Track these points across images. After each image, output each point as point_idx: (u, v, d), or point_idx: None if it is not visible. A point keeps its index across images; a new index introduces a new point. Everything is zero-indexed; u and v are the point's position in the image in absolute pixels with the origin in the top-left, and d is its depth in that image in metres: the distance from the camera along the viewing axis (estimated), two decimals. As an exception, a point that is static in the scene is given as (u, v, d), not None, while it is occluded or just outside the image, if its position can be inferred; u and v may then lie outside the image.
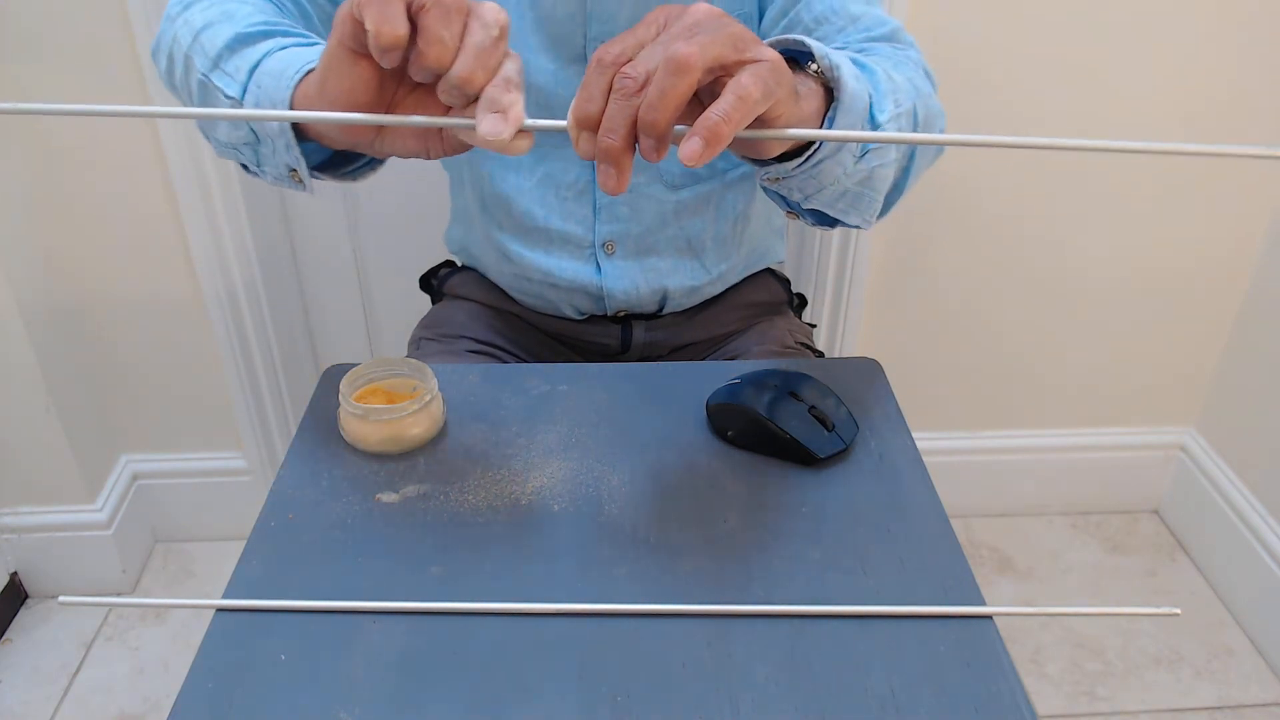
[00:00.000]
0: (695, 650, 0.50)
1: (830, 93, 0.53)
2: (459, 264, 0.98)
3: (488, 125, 0.46)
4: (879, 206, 0.63)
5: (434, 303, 1.00)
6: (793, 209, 0.66)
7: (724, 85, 0.44)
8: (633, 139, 0.44)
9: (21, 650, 1.34)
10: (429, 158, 0.55)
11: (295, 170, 0.58)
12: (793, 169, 0.55)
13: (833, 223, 0.66)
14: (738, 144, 0.50)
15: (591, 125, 0.44)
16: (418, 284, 1.02)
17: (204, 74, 0.59)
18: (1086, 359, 1.46)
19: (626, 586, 0.54)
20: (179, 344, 1.35)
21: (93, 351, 1.34)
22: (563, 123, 0.46)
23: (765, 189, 0.63)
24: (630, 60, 0.44)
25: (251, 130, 0.58)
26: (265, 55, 0.57)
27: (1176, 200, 1.32)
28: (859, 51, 0.65)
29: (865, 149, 0.57)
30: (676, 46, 0.42)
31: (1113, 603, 1.45)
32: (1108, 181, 1.30)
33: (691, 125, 0.43)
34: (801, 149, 0.54)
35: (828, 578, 0.55)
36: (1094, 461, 1.55)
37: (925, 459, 0.65)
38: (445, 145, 0.53)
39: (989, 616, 0.52)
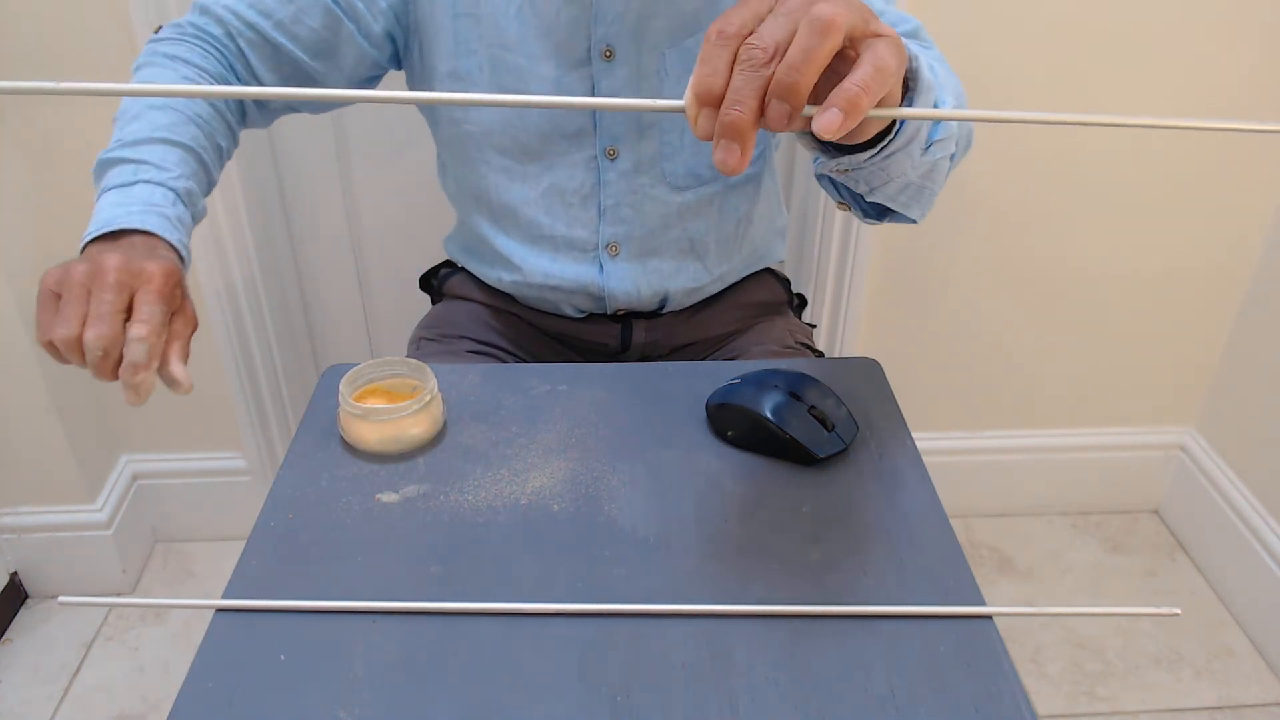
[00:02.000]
0: (695, 650, 0.50)
1: (905, 83, 0.52)
2: (459, 264, 0.98)
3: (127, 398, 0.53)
4: (935, 199, 0.63)
5: (434, 303, 1.00)
6: (845, 201, 0.66)
7: (847, 60, 0.42)
8: (760, 111, 0.41)
9: (21, 650, 1.34)
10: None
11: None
12: (865, 160, 0.54)
13: (881, 215, 0.66)
14: None
15: (714, 101, 0.41)
16: (418, 284, 1.02)
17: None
18: (1086, 359, 1.46)
19: (626, 586, 0.54)
20: (179, 344, 1.35)
21: (93, 351, 1.34)
22: (679, 103, 0.43)
23: (821, 179, 0.63)
24: (753, 32, 0.42)
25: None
26: (103, 191, 0.65)
27: (1177, 201, 1.32)
28: None
29: (930, 141, 0.57)
30: (819, 8, 0.41)
31: (1113, 603, 1.45)
32: (1108, 182, 1.30)
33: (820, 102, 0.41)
34: (874, 139, 0.54)
35: (828, 578, 0.55)
36: (1094, 461, 1.55)
37: (925, 459, 0.65)
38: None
39: (989, 616, 0.52)
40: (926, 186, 0.61)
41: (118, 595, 1.43)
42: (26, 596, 1.42)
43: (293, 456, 0.65)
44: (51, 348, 0.55)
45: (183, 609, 1.47)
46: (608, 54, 0.76)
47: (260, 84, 0.77)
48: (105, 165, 0.67)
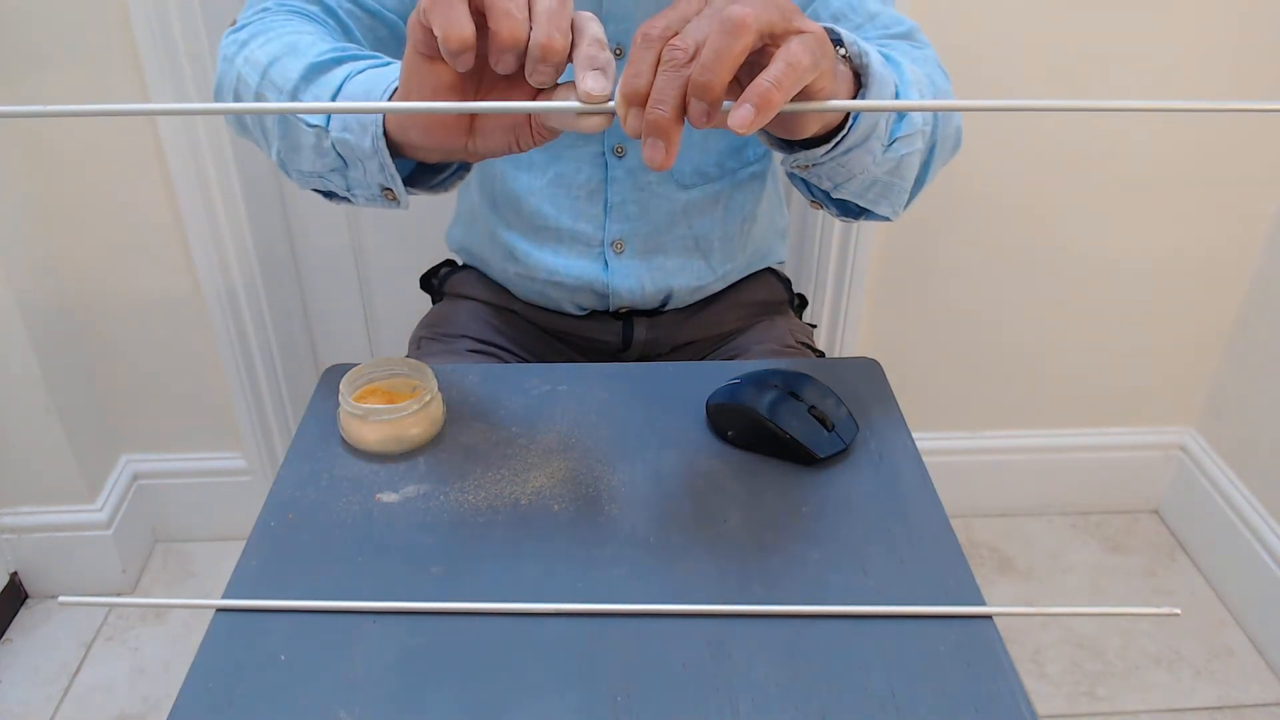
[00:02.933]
0: (695, 650, 0.50)
1: (858, 79, 0.53)
2: (459, 263, 0.98)
3: (591, 83, 0.45)
4: (907, 196, 0.63)
5: (434, 302, 1.00)
6: (817, 199, 0.67)
7: (770, 56, 0.44)
8: (683, 110, 0.43)
9: (21, 650, 1.34)
10: (520, 150, 0.54)
11: (389, 189, 0.58)
12: (822, 155, 0.55)
13: (857, 214, 0.66)
14: (776, 119, 0.50)
15: (640, 100, 0.44)
16: (418, 284, 1.02)
17: None
18: (1087, 358, 1.46)
19: (626, 586, 0.54)
20: (179, 344, 1.35)
21: (93, 351, 1.34)
22: (611, 105, 0.45)
23: (792, 176, 0.63)
24: (677, 34, 0.44)
25: (339, 156, 0.58)
26: (345, 80, 0.58)
27: (1177, 200, 1.32)
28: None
29: (893, 137, 0.57)
30: (731, 9, 0.42)
31: (1113, 603, 1.45)
32: (1107, 183, 1.30)
33: (735, 99, 0.43)
34: (830, 135, 0.54)
35: (828, 578, 0.55)
36: (1094, 461, 1.55)
37: (925, 459, 0.65)
38: (535, 134, 0.52)
39: (989, 616, 0.52)
40: (894, 183, 0.61)
41: (118, 595, 1.43)
42: (26, 596, 1.42)
43: (293, 456, 0.65)
44: (463, 48, 0.46)
45: (183, 609, 1.47)
46: (617, 52, 0.76)
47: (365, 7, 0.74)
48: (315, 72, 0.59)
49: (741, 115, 0.42)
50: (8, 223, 1.18)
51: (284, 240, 1.38)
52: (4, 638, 1.36)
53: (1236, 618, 1.40)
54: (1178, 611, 0.56)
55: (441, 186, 0.64)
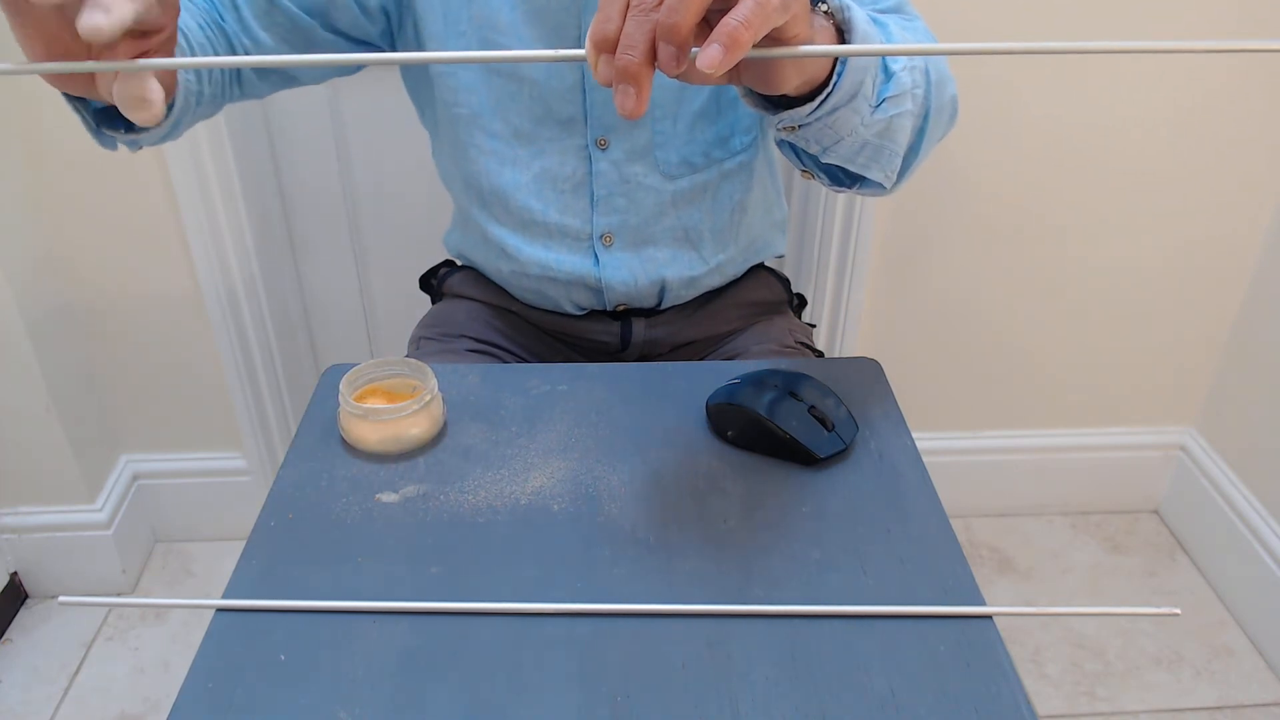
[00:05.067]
0: (695, 650, 0.50)
1: (841, 36, 0.52)
2: (458, 263, 0.98)
3: (85, 18, 0.41)
4: (899, 161, 0.63)
5: (434, 302, 1.00)
6: (808, 167, 0.66)
7: None
8: (652, 55, 0.43)
9: (21, 650, 1.34)
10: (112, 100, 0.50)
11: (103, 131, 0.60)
12: (807, 114, 0.54)
13: (851, 182, 0.66)
14: (752, 72, 0.49)
15: (610, 47, 0.43)
16: (417, 284, 1.02)
17: None
18: (1087, 358, 1.46)
19: (626, 586, 0.54)
20: (179, 344, 1.35)
21: (93, 351, 1.34)
22: (581, 51, 0.45)
23: (781, 144, 0.63)
24: None
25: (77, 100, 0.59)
26: None
27: (1177, 200, 1.32)
28: None
29: (881, 98, 0.57)
30: None
31: (1113, 603, 1.45)
32: (1106, 181, 1.30)
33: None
34: (815, 92, 0.54)
35: (828, 578, 0.55)
36: (1094, 461, 1.55)
37: (925, 459, 0.65)
38: (100, 85, 0.48)
39: (989, 616, 0.52)
40: (885, 146, 0.60)
41: (118, 595, 1.43)
42: (26, 596, 1.42)
43: (293, 456, 0.65)
44: None
45: (183, 609, 1.47)
46: None
47: (253, 38, 0.74)
48: None
49: (710, 55, 0.41)
50: (8, 222, 1.18)
51: (284, 240, 1.39)
52: (4, 638, 1.36)
53: (1236, 618, 1.40)
54: (1178, 611, 0.56)
55: (150, 136, 0.64)
